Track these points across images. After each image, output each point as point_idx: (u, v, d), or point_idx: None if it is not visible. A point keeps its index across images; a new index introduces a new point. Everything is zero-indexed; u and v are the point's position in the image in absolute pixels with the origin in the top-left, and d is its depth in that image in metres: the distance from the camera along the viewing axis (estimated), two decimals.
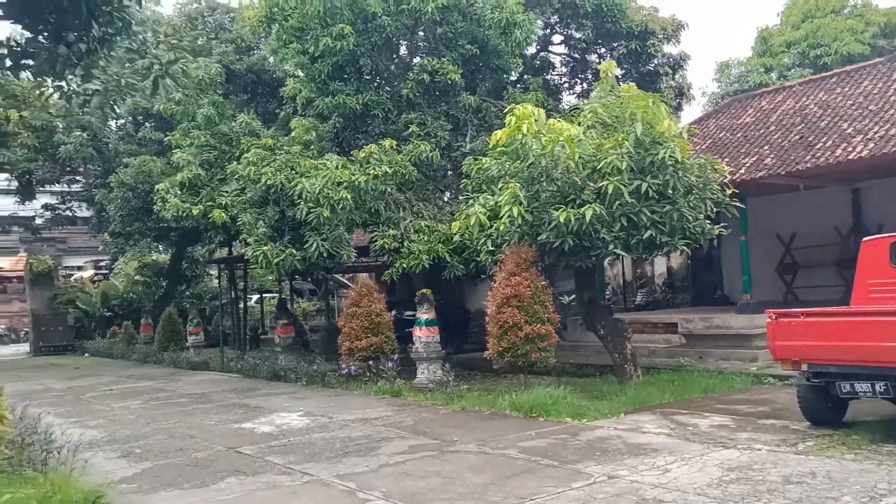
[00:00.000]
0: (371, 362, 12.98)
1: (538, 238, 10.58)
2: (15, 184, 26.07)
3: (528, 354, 10.30)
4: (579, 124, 11.02)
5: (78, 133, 22.20)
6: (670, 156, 10.12)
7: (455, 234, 12.45)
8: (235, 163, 14.68)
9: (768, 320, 7.96)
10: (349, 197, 13.03)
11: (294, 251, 13.57)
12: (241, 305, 23.47)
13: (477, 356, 17.00)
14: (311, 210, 13.02)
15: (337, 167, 13.36)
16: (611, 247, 10.18)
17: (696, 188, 10.78)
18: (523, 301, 10.37)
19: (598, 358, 14.56)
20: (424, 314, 12.47)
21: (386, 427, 9.30)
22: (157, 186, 15.88)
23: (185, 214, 14.98)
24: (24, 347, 33.70)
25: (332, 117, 15.66)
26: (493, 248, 11.61)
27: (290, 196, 13.71)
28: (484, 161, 12.49)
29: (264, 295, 29.83)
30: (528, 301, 10.39)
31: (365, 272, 26.15)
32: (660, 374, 12.04)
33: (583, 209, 9.84)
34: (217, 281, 27.99)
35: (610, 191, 9.86)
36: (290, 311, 20.91)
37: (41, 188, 26.43)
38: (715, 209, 11.04)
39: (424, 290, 12.63)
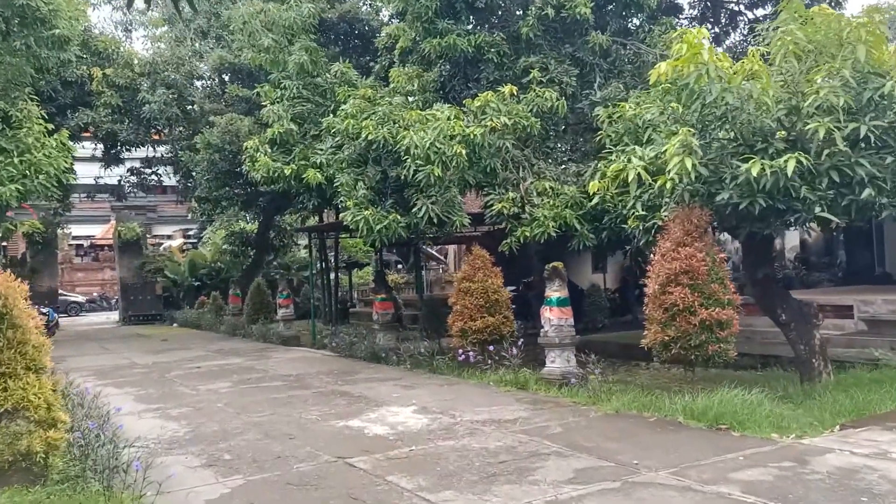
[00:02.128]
0: (492, 346, 11.11)
1: (715, 198, 8.32)
2: (100, 149, 25.26)
3: (704, 346, 8.09)
4: (765, 55, 8.65)
5: (162, 91, 21.01)
6: None
7: (592, 197, 10.29)
8: (332, 116, 12.94)
9: None
10: (464, 153, 11.12)
11: (398, 216, 11.80)
12: (332, 277, 22.02)
13: (596, 339, 14.97)
14: (420, 168, 11.17)
15: (449, 118, 11.45)
16: (816, 209, 7.83)
17: None
18: (697, 278, 8.16)
19: (752, 346, 12.28)
20: (556, 292, 10.40)
21: (528, 436, 7.36)
22: (245, 144, 14.32)
23: (276, 175, 13.36)
24: (114, 315, 33.63)
25: (438, 64, 13.68)
26: (643, 213, 9.45)
27: (393, 153, 11.90)
28: (626, 107, 10.29)
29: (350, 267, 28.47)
30: (704, 278, 8.18)
31: (458, 243, 24.30)
32: (853, 371, 9.67)
33: (781, 160, 7.55)
34: (305, 251, 26.78)
35: (821, 135, 7.52)
36: (388, 284, 19.24)
37: (126, 152, 25.53)
38: None
39: (556, 264, 10.53)
